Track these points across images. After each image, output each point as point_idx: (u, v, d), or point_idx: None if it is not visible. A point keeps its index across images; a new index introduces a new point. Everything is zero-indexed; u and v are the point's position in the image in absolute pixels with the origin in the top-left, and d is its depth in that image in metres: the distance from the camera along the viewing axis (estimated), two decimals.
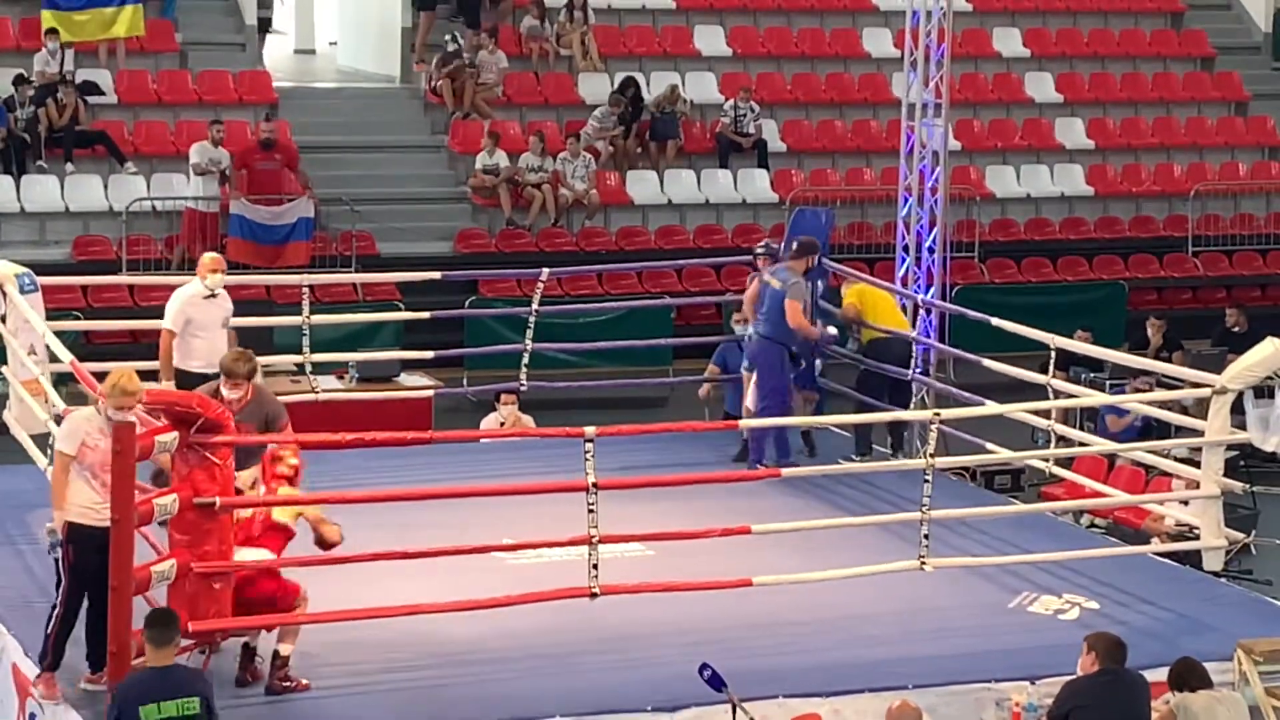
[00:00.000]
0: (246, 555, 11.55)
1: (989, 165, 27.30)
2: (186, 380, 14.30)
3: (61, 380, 14.75)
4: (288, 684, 11.55)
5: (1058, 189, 27.44)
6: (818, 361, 18.16)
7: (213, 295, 14.88)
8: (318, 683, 11.64)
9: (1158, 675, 11.44)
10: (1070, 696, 11.04)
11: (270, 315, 18.82)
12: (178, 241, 23.17)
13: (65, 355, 13.87)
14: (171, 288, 21.05)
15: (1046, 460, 15.54)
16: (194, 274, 22.27)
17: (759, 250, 17.25)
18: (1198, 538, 14.19)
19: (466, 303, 22.35)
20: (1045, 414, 15.58)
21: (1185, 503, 14.55)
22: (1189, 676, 11.32)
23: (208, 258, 15.20)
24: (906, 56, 19.66)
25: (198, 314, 14.82)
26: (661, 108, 26.08)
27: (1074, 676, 11.22)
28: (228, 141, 24.10)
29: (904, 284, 19.37)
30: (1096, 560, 13.93)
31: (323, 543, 11.89)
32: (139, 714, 9.82)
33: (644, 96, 26.19)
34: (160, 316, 19.46)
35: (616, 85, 26.14)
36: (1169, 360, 19.73)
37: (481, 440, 16.54)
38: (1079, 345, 17.15)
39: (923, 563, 12.99)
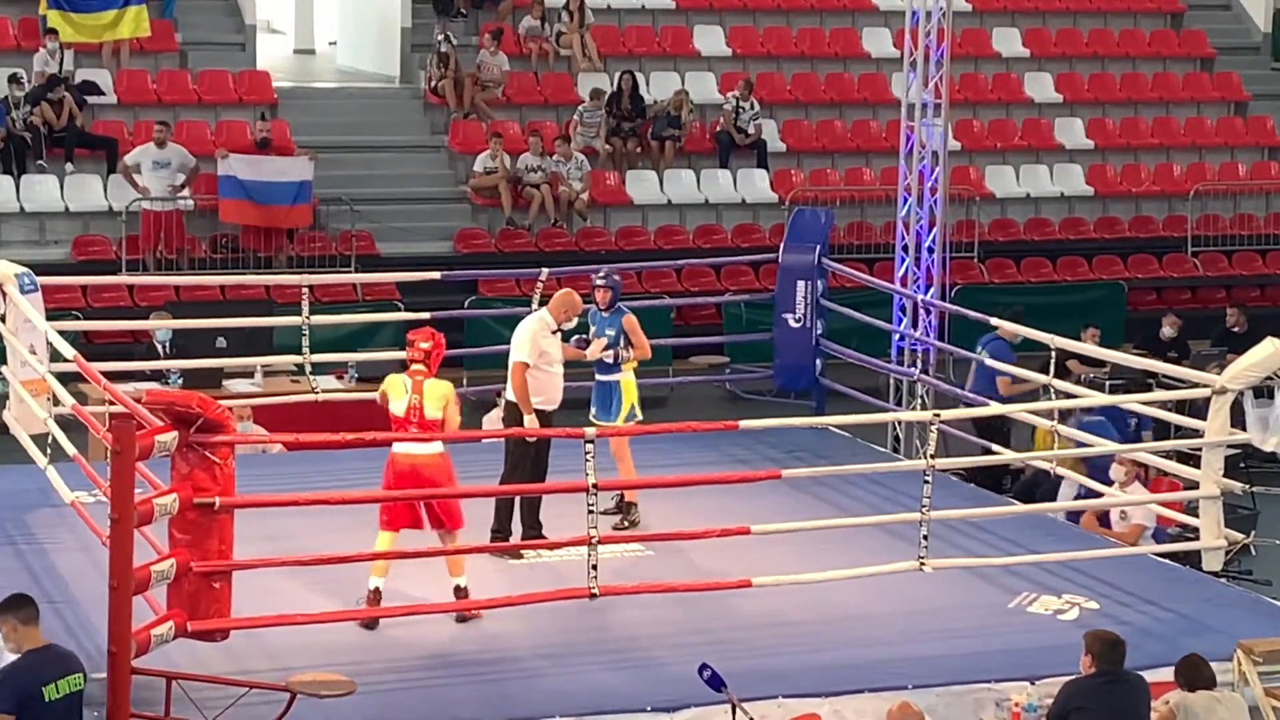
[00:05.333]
0: (411, 449, 12.47)
1: (989, 165, 27.32)
2: (518, 416, 13.84)
3: (65, 379, 14.73)
4: (472, 611, 12.52)
5: (1057, 189, 27.45)
6: (818, 361, 18.23)
7: (557, 331, 14.11)
8: None
9: (1158, 675, 11.44)
10: (1067, 699, 11.02)
11: (270, 315, 18.84)
12: (144, 245, 23.13)
13: (69, 353, 13.84)
14: (168, 288, 21.47)
15: (1050, 461, 15.58)
16: (186, 274, 22.71)
17: (599, 282, 14.91)
18: (1197, 538, 14.18)
19: (466, 303, 22.35)
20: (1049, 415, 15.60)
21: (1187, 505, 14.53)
22: (1195, 675, 11.32)
23: (567, 295, 14.17)
24: (906, 56, 19.65)
25: (548, 347, 14.04)
26: (667, 113, 26.07)
27: (1072, 678, 11.21)
28: (228, 141, 24.11)
29: (904, 284, 19.37)
30: (1096, 560, 13.93)
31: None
32: (43, 694, 9.88)
33: (643, 96, 26.17)
34: (146, 316, 19.73)
35: (615, 83, 26.15)
36: (1176, 357, 19.70)
37: (481, 440, 16.53)
38: (1082, 345, 17.18)
39: (922, 563, 12.99)
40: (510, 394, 14.05)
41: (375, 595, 12.54)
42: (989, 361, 17.10)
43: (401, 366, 19.01)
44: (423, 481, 12.47)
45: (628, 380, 14.73)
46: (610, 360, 14.70)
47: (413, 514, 12.59)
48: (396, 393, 12.76)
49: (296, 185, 23.43)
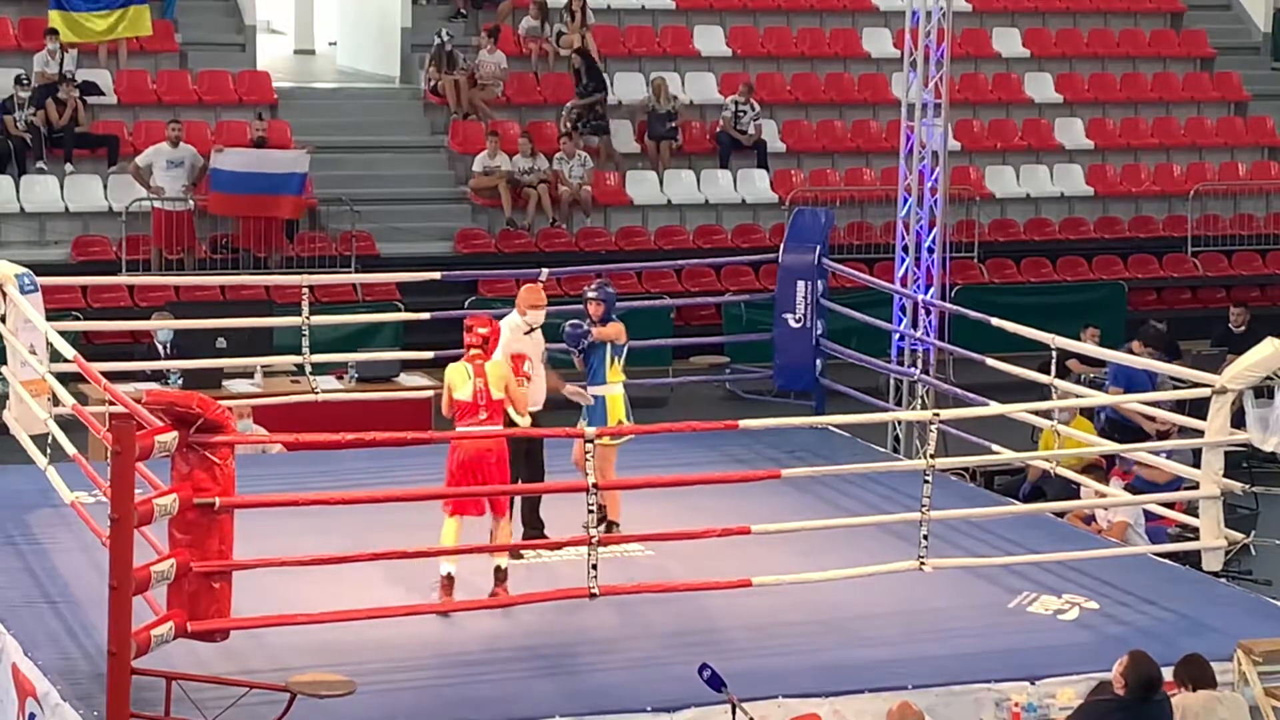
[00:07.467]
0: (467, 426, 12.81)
1: (989, 165, 27.32)
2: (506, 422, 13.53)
3: (65, 379, 14.72)
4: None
5: (1057, 189, 27.45)
6: (818, 361, 18.23)
7: (532, 331, 13.93)
8: None
9: None
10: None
11: (270, 315, 18.83)
12: (151, 243, 23.15)
13: (69, 353, 13.84)
14: (168, 288, 21.47)
15: (1049, 460, 15.58)
16: (185, 274, 22.73)
17: (591, 294, 14.40)
18: (1197, 538, 14.18)
19: (466, 303, 22.34)
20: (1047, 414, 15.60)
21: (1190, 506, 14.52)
22: (1197, 675, 11.32)
23: (527, 291, 14.02)
24: (906, 56, 19.65)
25: (523, 350, 13.84)
26: (652, 108, 26.07)
27: (1096, 700, 11.18)
28: (228, 141, 24.11)
29: (904, 284, 19.37)
30: (1096, 560, 13.93)
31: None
32: None
33: (598, 65, 26.07)
34: (146, 317, 19.72)
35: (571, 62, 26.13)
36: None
37: None
38: (1083, 345, 17.18)
39: (922, 563, 12.99)
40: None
41: (449, 580, 12.67)
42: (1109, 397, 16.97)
43: (402, 366, 19.29)
44: (489, 465, 12.77)
45: (614, 395, 14.40)
46: (580, 332, 14.26)
47: (479, 501, 12.95)
48: (460, 380, 12.98)
49: (286, 176, 23.42)
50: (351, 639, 12.00)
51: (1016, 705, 11.77)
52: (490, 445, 12.81)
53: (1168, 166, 28.12)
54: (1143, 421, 17.39)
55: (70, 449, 13.42)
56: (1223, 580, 14.43)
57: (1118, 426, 17.64)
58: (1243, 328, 21.98)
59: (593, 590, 12.21)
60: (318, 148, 24.18)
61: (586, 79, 25.89)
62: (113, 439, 10.54)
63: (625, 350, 14.49)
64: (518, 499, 13.85)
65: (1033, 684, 11.92)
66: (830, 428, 17.17)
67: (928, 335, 18.80)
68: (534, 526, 13.90)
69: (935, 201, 19.47)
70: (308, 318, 16.89)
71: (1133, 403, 16.37)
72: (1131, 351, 17.72)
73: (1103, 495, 15.10)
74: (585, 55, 26.02)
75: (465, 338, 13.18)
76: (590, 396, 14.30)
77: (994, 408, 14.73)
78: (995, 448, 15.79)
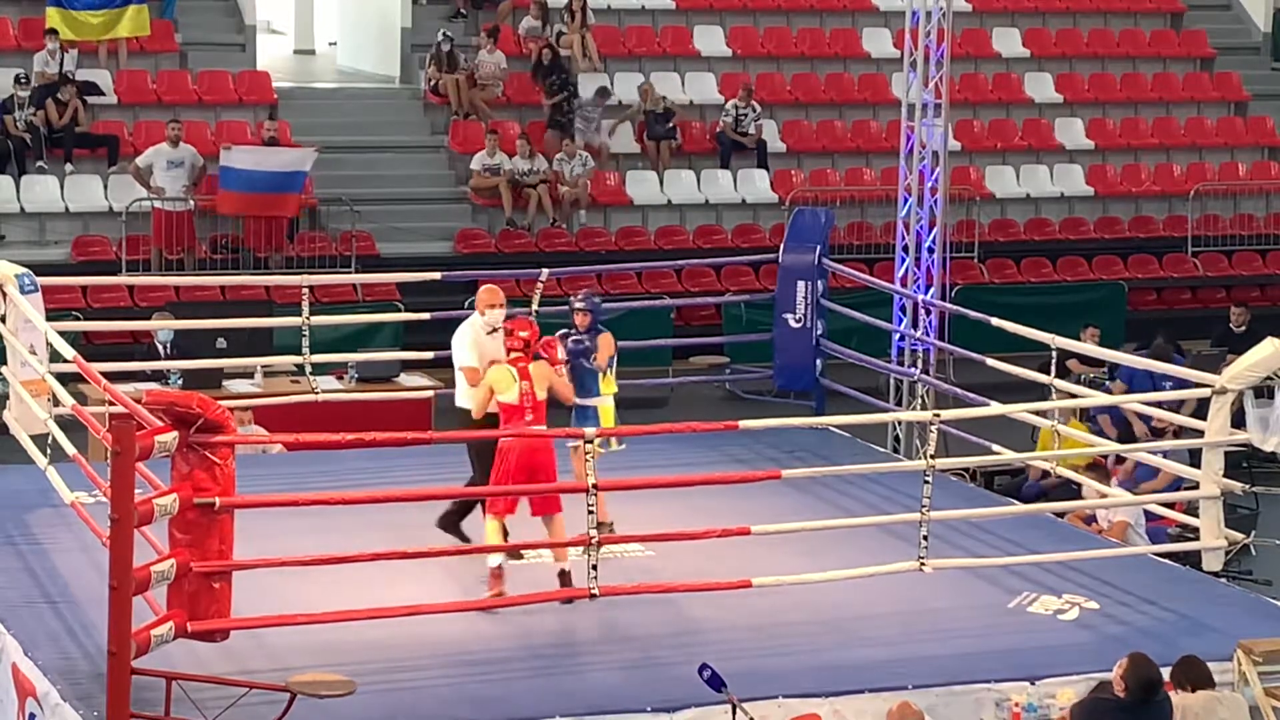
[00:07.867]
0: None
1: (989, 165, 27.33)
2: (473, 422, 13.49)
3: (65, 380, 14.72)
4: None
5: (1057, 189, 27.46)
6: (818, 361, 18.23)
7: (494, 331, 13.81)
8: None
9: None
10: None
11: (270, 315, 18.84)
12: (151, 243, 23.17)
13: (69, 353, 13.83)
14: (168, 288, 21.48)
15: (1049, 461, 15.58)
16: (185, 274, 22.73)
17: (578, 305, 14.40)
18: (1197, 538, 14.18)
19: (466, 303, 22.30)
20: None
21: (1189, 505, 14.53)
22: (1194, 675, 11.32)
23: (486, 291, 13.96)
24: (906, 57, 19.65)
25: (490, 350, 13.71)
26: (648, 111, 26.06)
27: (1097, 697, 11.18)
28: (228, 142, 24.13)
29: (904, 284, 19.37)
30: (1096, 560, 13.93)
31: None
32: None
33: (563, 64, 26.09)
34: (146, 317, 19.74)
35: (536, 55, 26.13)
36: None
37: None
38: (1083, 345, 17.18)
39: (922, 564, 12.99)
40: (462, 400, 13.85)
41: (499, 571, 12.83)
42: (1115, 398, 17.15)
43: (402, 366, 19.29)
44: (543, 463, 12.92)
45: (605, 406, 14.35)
46: (582, 349, 14.30)
47: (514, 502, 13.13)
48: (505, 384, 13.07)
49: (292, 174, 23.41)
50: (351, 639, 11.99)
51: (1016, 705, 11.77)
52: (542, 443, 12.96)
53: (1168, 166, 28.13)
54: (1135, 421, 17.40)
55: (70, 449, 13.42)
56: (1223, 580, 14.43)
57: (1126, 427, 17.69)
58: (1243, 328, 21.98)
59: (593, 590, 12.21)
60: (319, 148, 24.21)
61: (552, 76, 25.84)
62: (113, 439, 10.54)
63: (615, 360, 14.54)
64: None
65: (1033, 684, 11.92)
66: (830, 428, 17.16)
67: (928, 335, 18.81)
68: (454, 531, 13.80)
69: (935, 201, 19.48)
70: (308, 318, 16.88)
71: (1134, 401, 16.38)
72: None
73: (1103, 495, 15.10)
74: (553, 50, 25.99)
75: (506, 341, 13.27)
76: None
77: (994, 408, 14.73)
78: (995, 448, 15.79)
